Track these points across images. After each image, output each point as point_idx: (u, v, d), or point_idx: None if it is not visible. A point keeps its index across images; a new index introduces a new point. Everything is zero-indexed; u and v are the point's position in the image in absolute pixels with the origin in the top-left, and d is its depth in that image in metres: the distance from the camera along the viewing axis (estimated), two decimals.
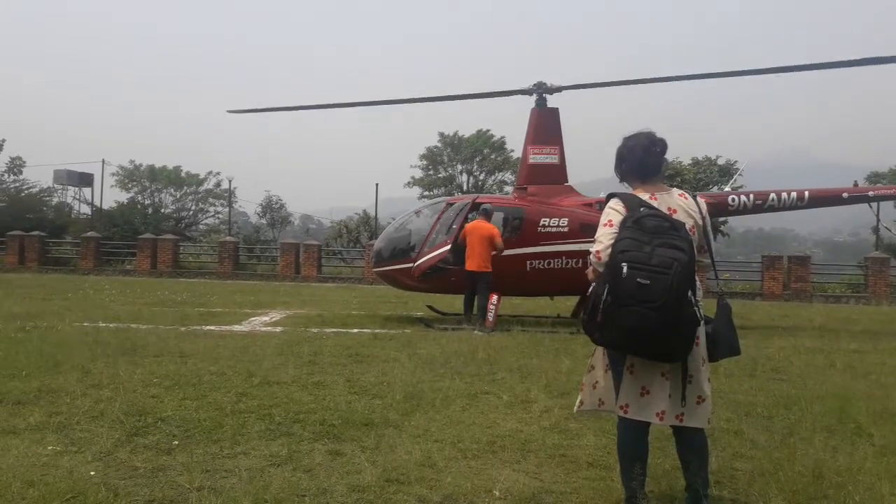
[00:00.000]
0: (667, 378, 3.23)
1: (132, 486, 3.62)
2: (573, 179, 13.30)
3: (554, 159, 12.86)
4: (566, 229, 12.00)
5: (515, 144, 39.80)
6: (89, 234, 30.09)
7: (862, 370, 8.03)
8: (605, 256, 3.14)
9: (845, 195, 13.85)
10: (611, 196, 3.36)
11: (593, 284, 3.29)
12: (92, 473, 3.77)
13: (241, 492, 3.52)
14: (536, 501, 3.62)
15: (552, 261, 11.99)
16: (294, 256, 27.70)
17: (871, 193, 14.39)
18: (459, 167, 45.25)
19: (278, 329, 10.55)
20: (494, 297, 11.46)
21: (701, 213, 3.39)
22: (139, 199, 46.23)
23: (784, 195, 13.38)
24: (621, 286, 2.99)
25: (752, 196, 13.64)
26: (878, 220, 20.72)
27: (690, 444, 3.36)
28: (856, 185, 15.33)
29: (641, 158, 3.39)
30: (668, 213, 3.25)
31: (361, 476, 3.86)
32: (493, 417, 5.33)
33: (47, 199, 41.35)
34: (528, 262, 12.00)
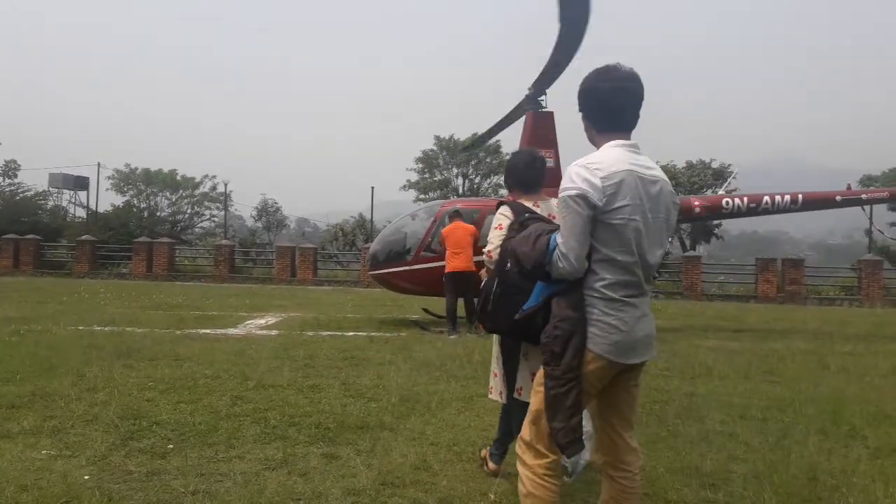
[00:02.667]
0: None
1: (126, 490, 3.61)
2: None
3: (549, 163, 12.87)
4: None
5: (510, 148, 39.83)
6: (85, 237, 30.00)
7: (856, 372, 8.06)
8: (495, 255, 3.45)
9: (838, 198, 13.92)
10: (500, 204, 3.74)
11: (485, 280, 3.56)
12: (86, 478, 3.76)
13: (236, 496, 3.52)
14: None
15: None
16: (290, 259, 27.67)
17: (864, 196, 14.45)
18: (455, 170, 45.34)
19: (274, 332, 10.53)
20: None
21: None
22: (135, 202, 46.23)
23: (777, 198, 13.43)
24: (507, 278, 3.20)
25: (745, 199, 13.69)
26: (871, 223, 20.79)
27: None
28: (849, 188, 15.33)
29: (523, 173, 3.86)
30: (549, 217, 3.55)
31: (357, 479, 3.86)
32: (489, 420, 5.32)
33: (42, 202, 41.30)
34: None
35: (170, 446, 4.37)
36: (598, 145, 2.66)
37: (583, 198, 2.42)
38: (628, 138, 2.61)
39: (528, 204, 3.69)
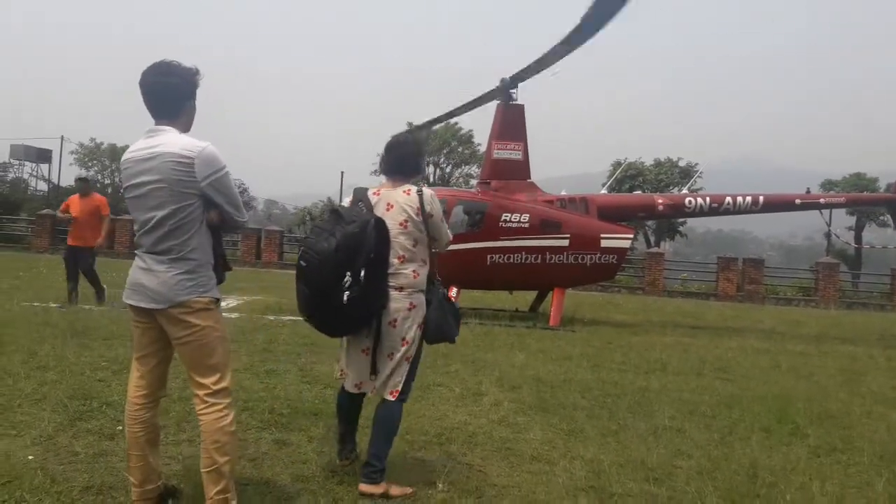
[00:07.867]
0: (367, 354, 3.66)
1: (71, 471, 3.57)
2: (537, 176, 13.40)
3: (518, 155, 12.93)
4: (527, 225, 12.10)
5: (483, 138, 39.82)
6: (45, 211, 29.33)
7: (804, 372, 8.29)
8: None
9: (798, 201, 14.25)
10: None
11: None
12: (30, 458, 3.71)
13: (183, 479, 3.50)
14: (478, 495, 3.67)
15: (512, 255, 12.09)
16: (255, 242, 27.43)
17: (822, 201, 14.81)
18: (427, 158, 45.27)
19: (234, 315, 10.45)
20: (454, 290, 11.51)
21: (424, 207, 3.65)
22: (99, 178, 45.29)
23: (739, 199, 13.69)
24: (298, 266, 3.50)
25: (708, 199, 13.92)
26: (829, 227, 21.30)
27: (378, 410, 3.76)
28: (808, 191, 15.68)
29: (380, 160, 3.90)
30: (386, 207, 3.64)
31: (306, 466, 3.87)
32: (444, 410, 5.37)
33: (2, 174, 40.29)
34: (489, 256, 12.08)
35: (119, 428, 4.31)
36: None
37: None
38: (167, 123, 3.01)
39: (371, 191, 3.74)
